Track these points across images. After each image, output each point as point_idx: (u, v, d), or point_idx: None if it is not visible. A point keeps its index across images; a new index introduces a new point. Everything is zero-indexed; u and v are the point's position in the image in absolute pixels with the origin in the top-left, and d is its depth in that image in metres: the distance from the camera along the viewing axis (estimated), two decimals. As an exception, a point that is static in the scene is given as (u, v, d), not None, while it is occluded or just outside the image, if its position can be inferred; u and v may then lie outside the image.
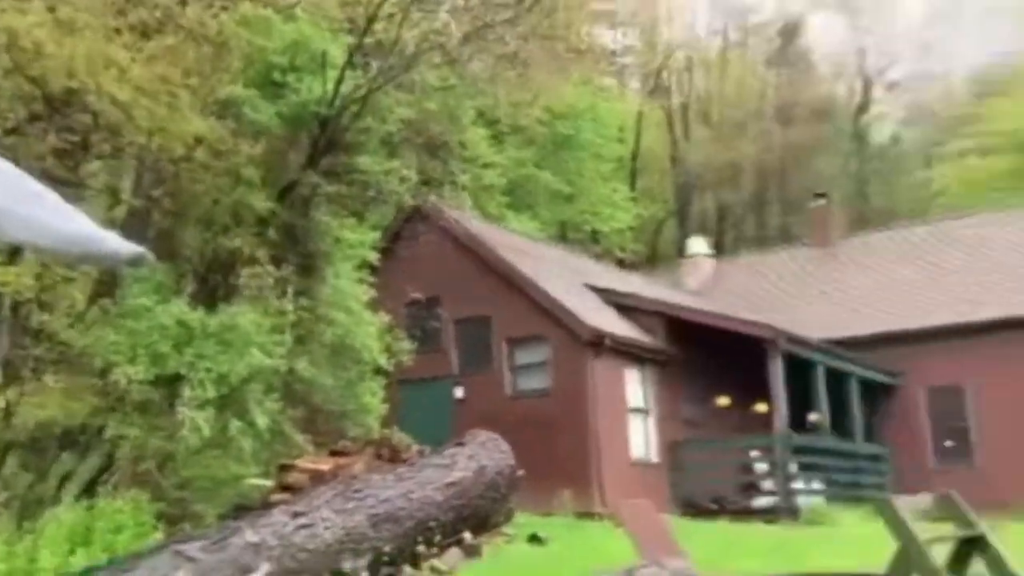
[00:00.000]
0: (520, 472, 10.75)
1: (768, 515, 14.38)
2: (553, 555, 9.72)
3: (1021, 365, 17.69)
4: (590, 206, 26.98)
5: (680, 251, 27.61)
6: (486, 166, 20.15)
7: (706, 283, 24.22)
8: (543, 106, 20.88)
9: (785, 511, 14.59)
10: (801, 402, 16.25)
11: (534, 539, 10.36)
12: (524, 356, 15.91)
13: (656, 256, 33.61)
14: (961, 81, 42.24)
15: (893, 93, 42.45)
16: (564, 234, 26.91)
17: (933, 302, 19.73)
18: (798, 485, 15.44)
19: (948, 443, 18.55)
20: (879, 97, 42.12)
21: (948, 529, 8.68)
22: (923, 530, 8.00)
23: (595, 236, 28.32)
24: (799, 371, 16.11)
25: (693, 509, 14.72)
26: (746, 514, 14.53)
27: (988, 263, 20.41)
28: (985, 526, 8.54)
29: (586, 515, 13.34)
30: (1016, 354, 17.76)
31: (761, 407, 16.15)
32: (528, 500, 11.54)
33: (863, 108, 41.57)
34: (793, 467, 15.44)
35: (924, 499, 9.04)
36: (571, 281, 17.41)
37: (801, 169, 36.74)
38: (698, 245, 25.93)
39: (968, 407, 18.42)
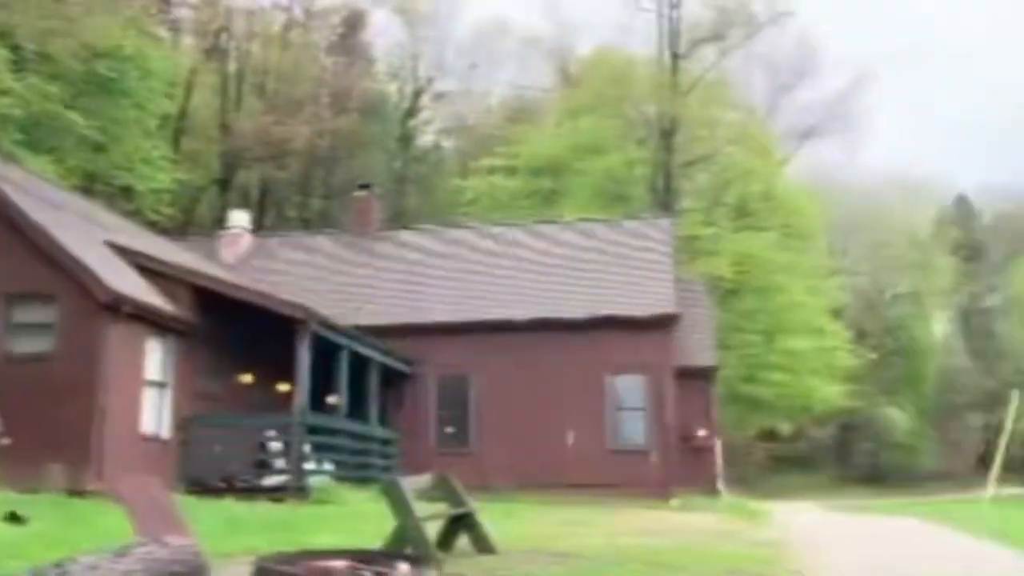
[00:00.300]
0: (5, 440, 9.44)
1: (277, 493, 14.37)
2: (34, 535, 8.65)
3: (512, 363, 19.93)
4: (125, 160, 24.83)
5: (219, 223, 26.61)
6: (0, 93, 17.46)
7: (243, 258, 23.64)
8: (81, 40, 18.72)
9: (295, 490, 14.69)
10: (325, 384, 16.54)
11: (13, 517, 9.14)
12: (24, 314, 14.06)
13: (193, 224, 32.07)
14: (497, 103, 46.68)
15: (439, 103, 45.49)
16: (91, 186, 24.43)
17: (451, 298, 21.44)
18: (310, 465, 15.67)
19: (449, 429, 20.23)
20: (426, 104, 44.84)
21: (442, 508, 9.42)
22: (422, 508, 8.59)
23: (127, 193, 26.14)
24: (325, 354, 16.38)
25: (201, 487, 14.17)
26: (255, 492, 14.36)
27: (502, 269, 22.72)
28: (473, 505, 9.43)
29: (79, 492, 12.16)
30: (509, 353, 19.96)
31: (284, 386, 16.13)
32: (14, 476, 10.19)
33: (411, 112, 43.93)
34: (307, 447, 15.63)
35: (424, 480, 9.71)
36: (91, 237, 15.80)
37: (348, 159, 37.67)
38: (239, 218, 25.20)
39: (469, 397, 20.27)
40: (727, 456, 38.49)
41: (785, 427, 38.90)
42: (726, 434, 34.40)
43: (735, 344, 31.59)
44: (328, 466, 16.33)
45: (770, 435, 44.77)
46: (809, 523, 18.67)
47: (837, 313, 40.17)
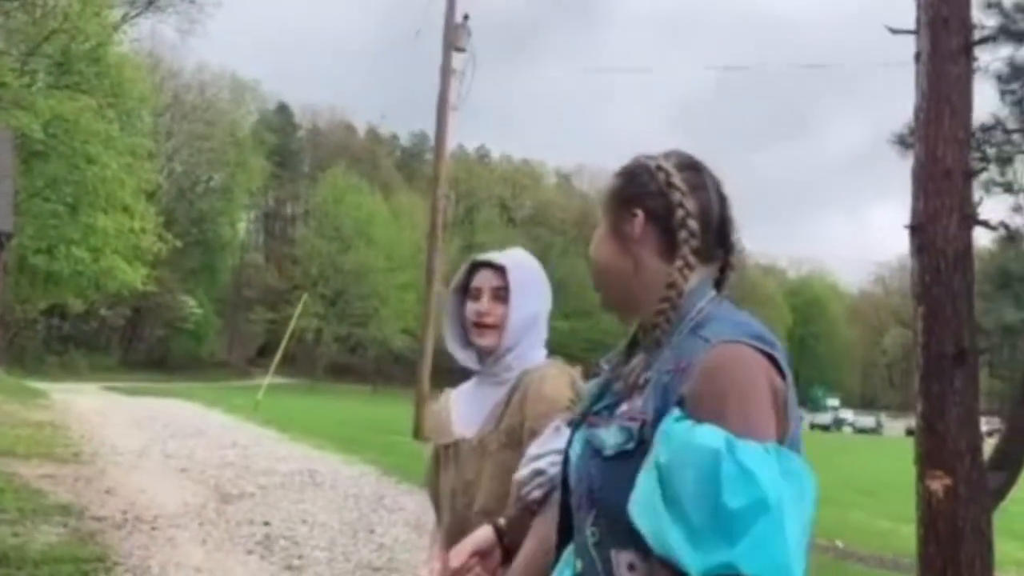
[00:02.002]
0: None
1: None
2: None
3: None
4: None
5: None
6: None
7: None
8: None
9: None
10: None
11: None
12: None
13: None
14: None
15: None
16: None
17: None
18: None
19: None
20: None
21: None
22: None
23: None
24: None
25: None
26: None
27: None
28: None
29: None
30: None
31: None
32: None
33: None
34: None
35: None
36: None
37: None
38: None
39: None
40: (6, 332, 35.29)
41: (76, 305, 36.89)
42: (8, 308, 31.42)
43: (35, 211, 28.81)
44: None
45: (56, 311, 42.27)
46: (93, 406, 18.18)
47: (150, 196, 39.33)
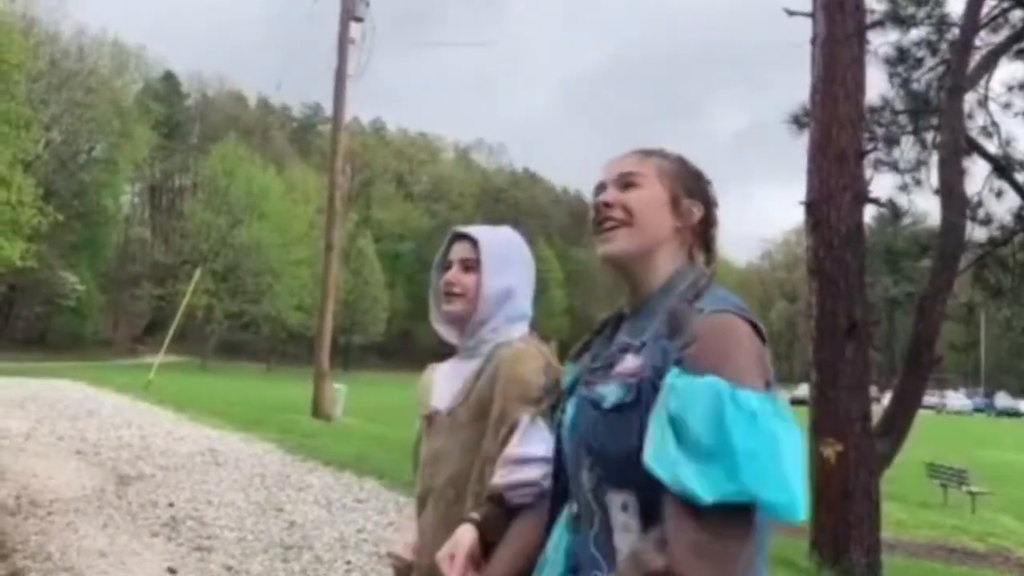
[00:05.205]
0: None
1: None
2: None
3: None
4: None
5: None
6: None
7: None
8: None
9: None
10: None
11: None
12: None
13: None
14: None
15: None
16: None
17: None
18: None
19: None
20: None
21: None
22: None
23: None
24: None
25: None
26: None
27: None
28: None
29: None
30: None
31: None
32: None
33: None
34: None
35: None
36: None
37: None
38: None
39: None
40: None
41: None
42: None
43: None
44: None
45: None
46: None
47: (28, 166, 37.33)
